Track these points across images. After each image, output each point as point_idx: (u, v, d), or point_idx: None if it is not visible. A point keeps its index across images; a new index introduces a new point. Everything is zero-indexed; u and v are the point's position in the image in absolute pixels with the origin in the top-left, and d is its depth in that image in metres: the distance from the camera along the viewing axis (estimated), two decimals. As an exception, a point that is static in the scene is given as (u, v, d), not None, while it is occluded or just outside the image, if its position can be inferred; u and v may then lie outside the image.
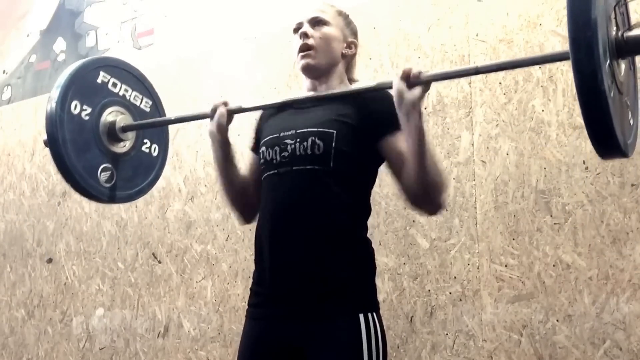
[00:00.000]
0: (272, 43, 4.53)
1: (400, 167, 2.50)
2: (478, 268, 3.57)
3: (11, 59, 6.40)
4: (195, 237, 4.71)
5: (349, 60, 2.85)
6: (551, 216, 3.40)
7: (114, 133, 3.18)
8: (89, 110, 3.08)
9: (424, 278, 3.71)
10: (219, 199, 4.59)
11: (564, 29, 3.43)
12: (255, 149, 2.87)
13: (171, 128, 4.92)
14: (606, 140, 1.95)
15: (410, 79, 2.37)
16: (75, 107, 3.02)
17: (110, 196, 3.17)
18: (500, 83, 3.59)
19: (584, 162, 3.33)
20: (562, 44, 3.44)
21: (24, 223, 5.80)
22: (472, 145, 3.64)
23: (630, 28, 2.33)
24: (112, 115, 3.19)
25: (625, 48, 2.04)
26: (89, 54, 5.69)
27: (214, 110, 2.87)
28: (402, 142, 2.46)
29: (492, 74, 3.61)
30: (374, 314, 2.51)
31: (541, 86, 3.48)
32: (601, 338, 3.23)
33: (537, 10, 3.53)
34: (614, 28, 2.03)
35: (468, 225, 3.62)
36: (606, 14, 1.95)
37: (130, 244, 5.07)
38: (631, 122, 2.24)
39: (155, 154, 3.43)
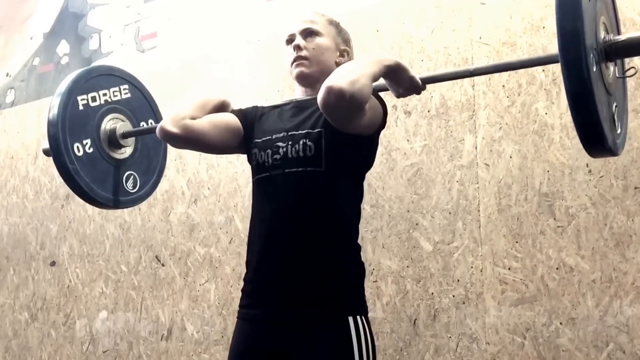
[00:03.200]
0: (275, 45, 4.52)
1: None
2: (481, 271, 3.57)
3: (14, 61, 6.40)
4: (198, 240, 4.72)
5: None
6: (554, 219, 3.40)
7: (113, 138, 3.37)
8: (89, 142, 3.27)
9: (427, 281, 3.72)
10: (222, 201, 4.59)
11: (567, 32, 3.44)
12: (238, 115, 2.87)
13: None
14: (595, 140, 2.03)
15: None
16: (77, 149, 3.21)
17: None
18: (503, 86, 3.59)
19: (587, 165, 3.33)
20: (565, 47, 3.44)
21: (27, 226, 5.80)
22: (476, 148, 3.64)
23: (618, 32, 2.39)
24: (112, 123, 3.39)
25: (613, 51, 2.11)
26: (92, 57, 5.70)
27: None
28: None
29: (496, 77, 3.61)
30: (363, 318, 2.55)
31: (544, 89, 3.48)
32: (604, 341, 3.23)
33: (540, 13, 3.53)
34: (603, 32, 2.11)
35: (471, 228, 3.62)
36: (595, 18, 2.03)
37: (134, 247, 5.07)
38: (620, 122, 2.31)
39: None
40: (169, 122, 2.74)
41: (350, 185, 2.66)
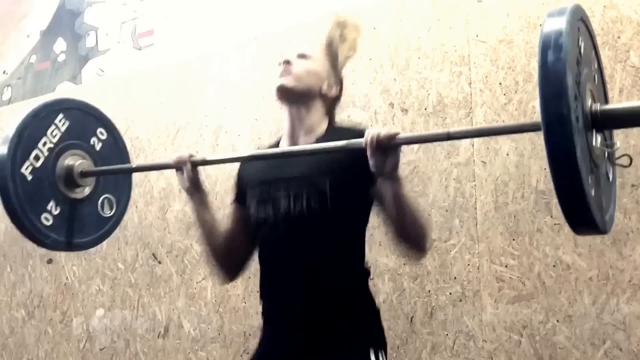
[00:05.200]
0: (272, 44, 4.52)
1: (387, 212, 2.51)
2: (478, 268, 3.57)
3: (11, 59, 6.40)
4: (195, 237, 4.70)
5: (329, 102, 2.80)
6: (551, 217, 3.40)
7: (71, 179, 3.09)
8: (52, 203, 3.00)
9: (424, 278, 3.72)
10: (219, 199, 4.58)
11: (564, 30, 3.44)
12: (239, 199, 2.83)
13: (171, 129, 4.94)
14: (581, 217, 1.91)
15: (382, 146, 2.35)
16: (46, 219, 2.96)
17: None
18: (500, 84, 3.59)
19: (584, 163, 3.33)
20: (562, 45, 3.44)
21: (24, 223, 5.80)
22: (472, 145, 3.64)
23: (606, 102, 2.28)
24: (70, 159, 3.10)
25: (600, 122, 1.99)
26: (89, 55, 5.70)
27: (179, 163, 2.90)
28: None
29: (492, 74, 3.61)
30: (383, 353, 2.56)
31: (541, 87, 3.48)
32: (601, 339, 3.23)
33: (537, 11, 3.52)
34: (589, 101, 1.98)
35: (468, 226, 3.62)
36: (581, 87, 1.90)
37: (131, 245, 5.07)
38: (609, 185, 2.18)
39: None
40: (226, 276, 2.90)
41: (356, 230, 2.65)
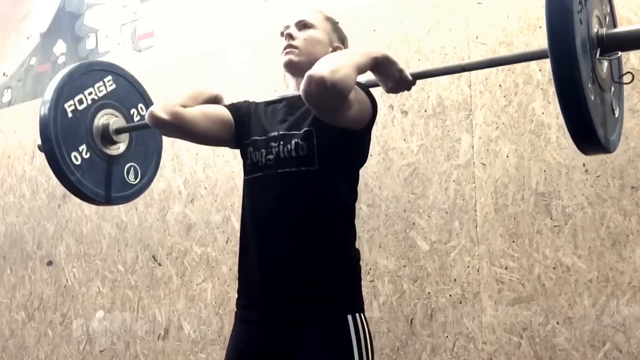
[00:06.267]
0: (271, 45, 4.49)
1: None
2: (478, 270, 3.56)
3: (11, 61, 6.39)
4: (195, 239, 4.71)
5: None
6: (551, 219, 3.40)
7: (107, 134, 3.39)
8: (84, 147, 3.31)
9: (424, 280, 3.71)
10: (219, 201, 4.59)
11: (563, 32, 3.44)
12: (230, 109, 2.86)
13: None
14: (585, 135, 1.97)
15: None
16: (75, 158, 3.25)
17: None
18: (500, 85, 3.59)
19: (584, 165, 3.33)
20: (562, 47, 3.44)
21: (24, 225, 5.80)
22: (472, 147, 3.63)
23: (614, 27, 2.33)
24: (103, 120, 3.41)
25: (606, 45, 2.05)
26: (89, 57, 5.69)
27: None
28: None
29: (492, 76, 3.61)
30: (362, 315, 2.55)
31: (541, 88, 3.48)
32: (601, 340, 3.23)
33: (537, 13, 3.52)
34: (596, 26, 2.04)
35: (468, 228, 3.61)
36: (586, 11, 1.96)
37: (131, 247, 5.07)
38: (614, 118, 2.25)
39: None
40: (159, 109, 2.74)
41: (345, 183, 2.65)
